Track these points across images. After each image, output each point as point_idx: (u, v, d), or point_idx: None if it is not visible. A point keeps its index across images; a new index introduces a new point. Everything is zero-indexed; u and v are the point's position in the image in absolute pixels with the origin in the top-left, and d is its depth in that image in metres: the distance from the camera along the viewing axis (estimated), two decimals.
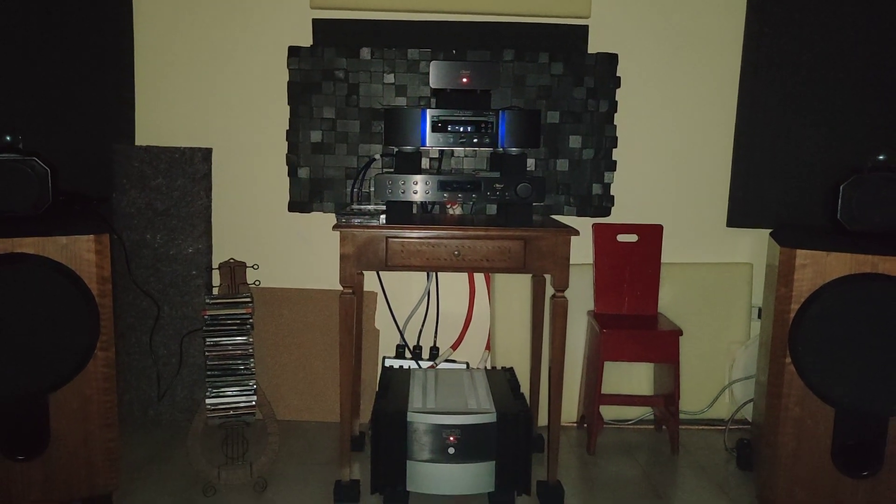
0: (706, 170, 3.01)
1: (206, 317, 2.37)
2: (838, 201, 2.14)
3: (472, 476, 2.25)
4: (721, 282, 2.99)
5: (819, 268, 2.09)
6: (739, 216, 2.98)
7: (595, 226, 2.89)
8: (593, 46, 2.89)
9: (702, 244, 3.04)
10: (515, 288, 2.93)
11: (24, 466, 2.04)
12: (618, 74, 2.88)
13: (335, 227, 2.22)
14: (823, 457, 2.13)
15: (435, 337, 3.00)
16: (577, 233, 2.26)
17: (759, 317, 2.98)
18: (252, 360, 2.39)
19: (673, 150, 3.00)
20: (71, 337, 2.02)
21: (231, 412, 2.37)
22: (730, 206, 3.00)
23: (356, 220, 2.26)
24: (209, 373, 2.36)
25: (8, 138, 2.02)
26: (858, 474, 2.10)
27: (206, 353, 2.36)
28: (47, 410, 2.04)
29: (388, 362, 2.90)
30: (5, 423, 2.00)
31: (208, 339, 2.37)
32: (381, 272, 2.95)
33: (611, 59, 2.86)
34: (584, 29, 2.88)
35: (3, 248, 1.95)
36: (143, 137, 2.91)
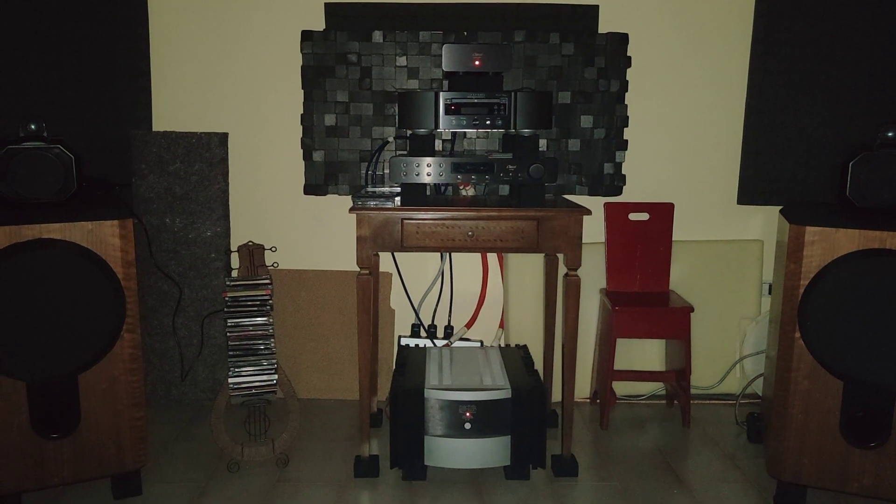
0: (716, 148, 3.03)
1: (226, 298, 2.43)
2: (847, 178, 2.15)
3: (488, 450, 2.32)
4: (732, 259, 3.02)
5: (828, 244, 2.12)
6: (750, 194, 3.01)
7: (607, 205, 2.93)
8: (604, 26, 2.91)
9: (712, 222, 3.07)
10: (528, 267, 2.97)
11: (57, 444, 2.11)
12: (628, 54, 2.90)
13: (351, 210, 2.27)
14: (832, 429, 2.17)
15: (449, 316, 3.06)
16: (589, 212, 2.30)
17: (770, 293, 3.01)
18: (272, 340, 2.45)
19: (683, 129, 3.02)
20: (98, 319, 2.09)
21: (253, 391, 2.44)
22: (740, 183, 3.02)
23: (372, 203, 2.30)
24: (230, 353, 2.42)
25: (33, 126, 2.07)
26: (866, 445, 2.14)
27: (228, 334, 2.42)
28: (77, 391, 2.11)
29: (403, 341, 2.96)
30: (38, 403, 2.07)
31: (229, 321, 2.43)
32: (395, 253, 3.00)
33: (621, 39, 2.88)
34: (595, 9, 2.89)
35: (32, 234, 2.01)
36: (160, 123, 2.96)
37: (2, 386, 2.03)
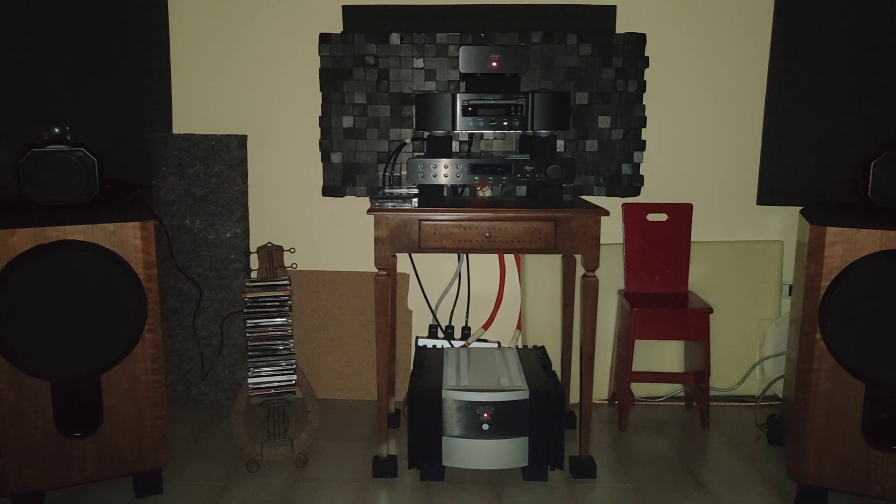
0: (736, 148, 3.01)
1: (246, 299, 2.45)
2: (869, 178, 2.14)
3: (506, 451, 2.32)
4: (751, 259, 3.00)
5: (849, 245, 2.10)
6: (769, 194, 2.98)
7: (625, 205, 2.92)
8: (621, 27, 2.90)
9: (732, 222, 3.05)
10: (545, 268, 2.97)
11: (80, 443, 2.14)
12: (646, 54, 2.89)
13: (369, 211, 2.28)
14: (854, 431, 2.15)
15: (466, 317, 3.06)
16: (606, 213, 2.29)
17: (790, 294, 2.99)
18: (291, 340, 2.47)
19: (702, 129, 3.00)
20: (120, 320, 2.12)
21: (272, 391, 2.45)
22: (760, 183, 3.00)
23: (389, 204, 2.31)
24: (250, 353, 2.44)
25: (56, 130, 2.10)
26: (889, 448, 2.12)
27: (247, 335, 2.44)
28: (100, 390, 2.14)
29: (421, 342, 2.97)
30: (62, 402, 2.11)
31: (249, 321, 2.45)
32: (413, 254, 3.01)
33: (639, 39, 2.87)
34: (612, 9, 2.89)
35: (56, 235, 2.04)
36: (180, 126, 2.99)
37: (26, 385, 2.07)
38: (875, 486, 2.15)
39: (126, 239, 2.11)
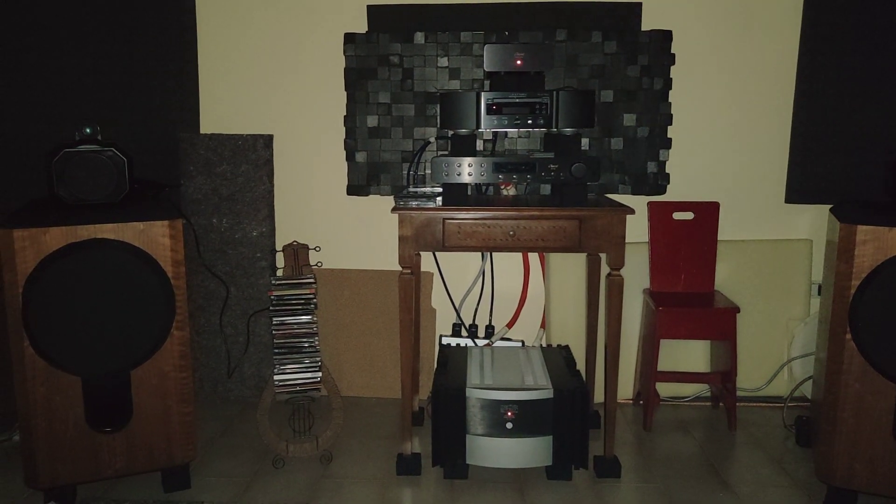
0: (763, 146, 2.97)
1: (272, 297, 2.48)
2: None
3: (530, 450, 2.32)
4: (779, 259, 2.96)
5: (880, 243, 2.06)
6: (798, 192, 2.94)
7: (650, 204, 2.90)
8: (647, 24, 2.88)
9: (759, 221, 3.01)
10: (570, 267, 2.96)
11: (110, 438, 2.18)
12: (672, 51, 2.86)
13: (394, 210, 2.29)
14: (884, 433, 2.11)
15: (490, 316, 3.06)
16: (632, 211, 2.28)
17: (819, 293, 2.94)
18: (316, 338, 2.49)
19: (729, 127, 2.97)
20: (149, 317, 2.15)
21: (297, 388, 2.48)
22: (788, 182, 2.96)
23: (413, 203, 2.32)
24: (276, 351, 2.47)
25: (88, 130, 2.14)
26: None
27: (273, 332, 2.47)
28: (129, 386, 2.18)
29: (444, 340, 2.98)
30: (93, 398, 2.15)
31: (275, 319, 2.47)
32: (437, 253, 3.02)
33: (665, 37, 2.85)
34: (638, 6, 2.86)
35: (87, 234, 2.08)
36: (207, 126, 3.03)
37: (58, 381, 2.11)
38: None
39: (155, 237, 2.15)
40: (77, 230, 2.07)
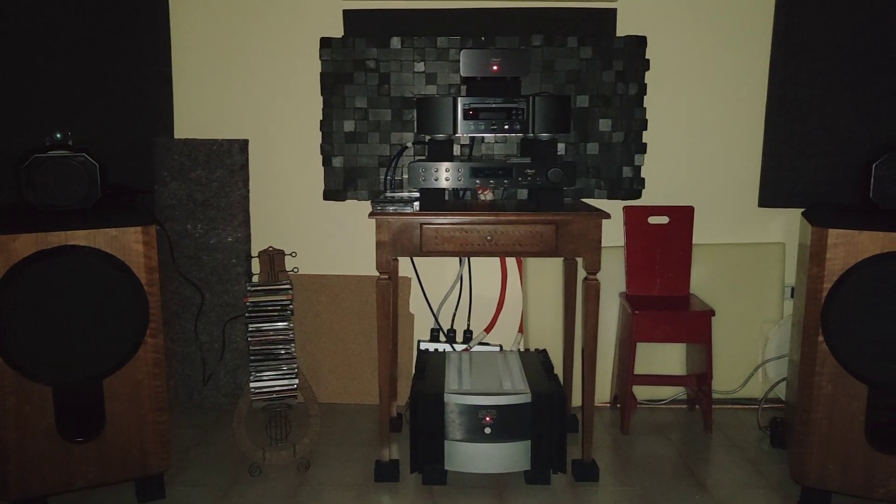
0: (737, 150, 3.01)
1: (247, 303, 2.45)
2: (870, 180, 2.13)
3: (508, 455, 2.32)
4: (753, 262, 2.99)
5: (851, 247, 2.10)
6: (771, 196, 2.98)
7: (626, 208, 2.92)
8: (622, 29, 2.90)
9: (733, 225, 3.05)
10: (547, 271, 2.97)
11: (82, 448, 2.14)
12: (647, 57, 2.89)
13: (371, 215, 2.28)
14: (857, 434, 2.15)
15: (468, 320, 3.06)
16: (608, 216, 2.29)
17: (792, 296, 2.98)
18: (293, 344, 2.47)
19: (703, 132, 3.00)
20: (122, 325, 2.12)
21: (274, 395, 2.45)
22: (761, 186, 2.99)
23: (391, 208, 2.31)
24: (252, 357, 2.44)
25: (58, 135, 2.11)
26: (892, 450, 2.12)
27: (249, 339, 2.44)
28: (102, 395, 2.14)
29: (423, 346, 2.97)
30: (64, 407, 2.11)
31: (251, 325, 2.45)
32: (414, 258, 3.01)
33: (639, 42, 2.87)
34: (613, 12, 2.89)
35: (58, 240, 2.04)
36: (182, 130, 3.00)
37: (28, 390, 2.07)
38: (878, 488, 2.14)
39: (128, 244, 2.12)
40: (48, 237, 2.03)
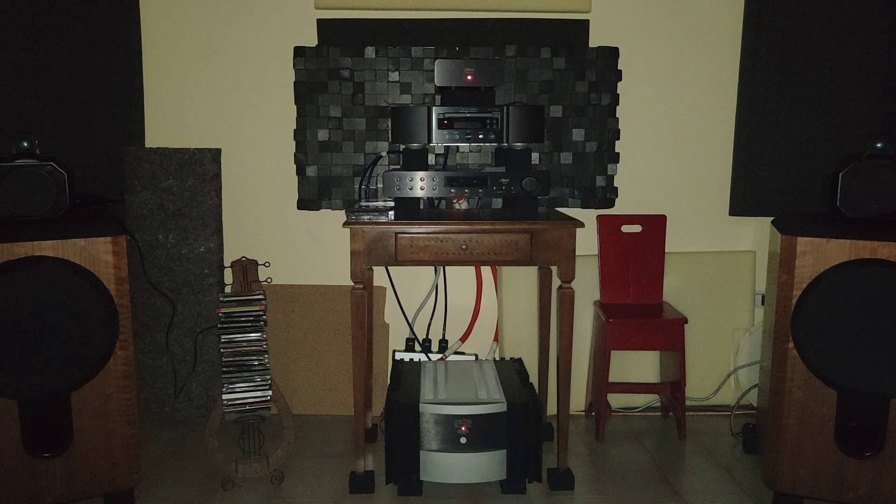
0: (708, 160, 3.05)
1: (220, 314, 2.42)
2: (837, 189, 2.17)
3: (484, 464, 2.31)
4: (724, 270, 3.03)
5: (819, 254, 2.13)
6: (741, 205, 3.02)
7: (600, 217, 2.94)
8: (594, 40, 2.93)
9: (705, 233, 3.09)
10: (522, 280, 2.97)
11: (49, 463, 2.09)
12: (619, 68, 2.92)
13: (345, 224, 2.27)
14: (827, 439, 2.18)
15: (444, 330, 3.06)
16: (582, 225, 2.31)
17: (763, 303, 3.02)
18: (266, 355, 2.44)
19: (675, 141, 3.04)
20: (91, 337, 2.08)
21: (247, 407, 2.42)
22: (732, 195, 3.04)
23: (365, 217, 2.30)
24: (224, 369, 2.41)
25: (25, 144, 2.07)
26: (861, 455, 2.15)
27: (221, 350, 2.41)
28: (70, 409, 2.10)
29: (398, 356, 2.96)
30: (30, 421, 2.06)
31: (223, 336, 2.42)
32: (389, 267, 3.00)
33: (612, 53, 2.90)
34: (585, 24, 2.92)
35: (24, 251, 2.00)
36: (153, 139, 2.96)
37: None
38: (848, 492, 2.17)
39: (97, 254, 2.08)
40: (14, 247, 1.99)
